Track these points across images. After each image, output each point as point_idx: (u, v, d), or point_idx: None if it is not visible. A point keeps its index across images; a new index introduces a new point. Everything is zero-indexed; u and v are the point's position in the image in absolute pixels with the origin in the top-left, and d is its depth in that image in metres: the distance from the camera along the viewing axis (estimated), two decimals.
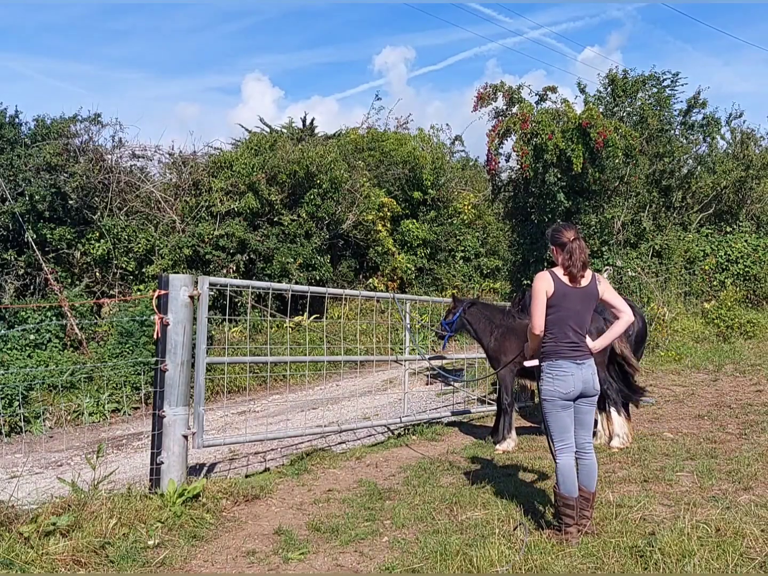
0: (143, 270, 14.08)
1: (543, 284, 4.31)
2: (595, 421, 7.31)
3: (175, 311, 5.39)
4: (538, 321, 4.33)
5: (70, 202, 13.07)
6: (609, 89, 19.28)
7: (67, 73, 79.90)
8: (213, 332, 11.35)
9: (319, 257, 15.60)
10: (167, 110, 73.25)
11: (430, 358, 9.18)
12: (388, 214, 19.45)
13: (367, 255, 18.74)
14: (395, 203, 19.77)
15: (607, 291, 4.45)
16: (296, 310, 13.69)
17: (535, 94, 16.15)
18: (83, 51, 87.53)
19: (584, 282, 4.35)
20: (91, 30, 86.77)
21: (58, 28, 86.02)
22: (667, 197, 19.17)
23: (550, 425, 4.40)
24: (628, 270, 16.03)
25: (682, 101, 19.90)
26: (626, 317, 4.46)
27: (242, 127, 21.91)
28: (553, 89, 16.06)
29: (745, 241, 17.60)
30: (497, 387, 7.54)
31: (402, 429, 8.10)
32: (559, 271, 4.36)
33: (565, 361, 4.31)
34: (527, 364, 4.59)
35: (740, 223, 19.11)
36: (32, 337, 11.00)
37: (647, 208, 18.31)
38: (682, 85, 19.64)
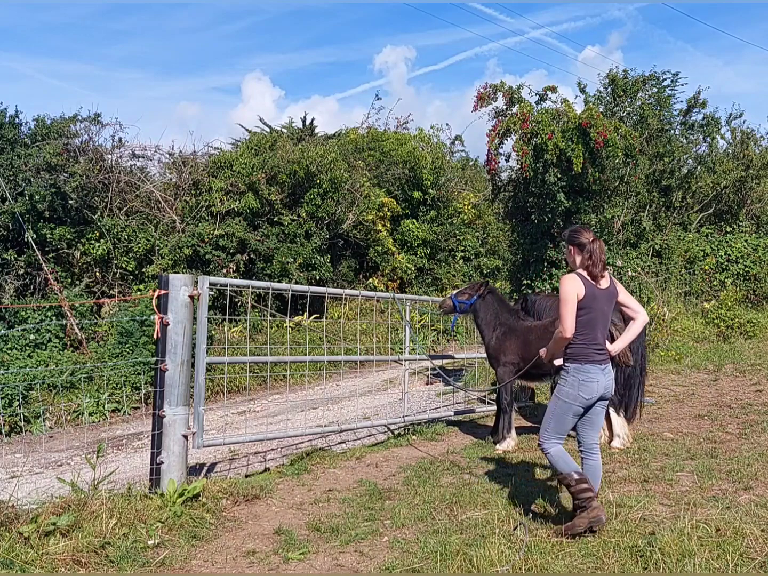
0: (143, 270, 14.08)
1: (574, 287, 4.26)
2: None
3: (175, 311, 5.39)
4: (570, 325, 4.24)
5: (70, 202, 13.07)
6: (609, 89, 19.29)
7: (67, 73, 79.96)
8: (213, 332, 11.35)
9: (319, 257, 15.60)
10: (168, 110, 73.32)
11: (431, 358, 9.18)
12: (388, 214, 19.44)
13: (367, 255, 18.74)
14: (395, 203, 19.76)
15: (622, 292, 4.48)
16: (296, 310, 13.69)
17: (535, 94, 16.13)
18: (84, 51, 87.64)
19: (606, 283, 4.36)
20: (92, 30, 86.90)
21: (58, 28, 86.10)
22: (667, 197, 19.17)
23: (551, 422, 4.36)
24: (628, 270, 16.04)
25: (682, 101, 19.92)
26: (642, 317, 4.49)
27: (242, 127, 21.94)
28: (553, 89, 16.05)
29: (745, 241, 17.60)
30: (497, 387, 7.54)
31: (402, 429, 8.10)
32: (583, 272, 4.34)
33: (592, 365, 4.27)
34: (557, 362, 4.55)
35: (740, 223, 19.11)
36: (32, 337, 11.01)
37: (647, 208, 18.31)
38: (682, 85, 19.70)
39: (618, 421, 6.68)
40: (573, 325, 4.25)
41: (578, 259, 4.38)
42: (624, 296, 4.49)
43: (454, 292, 7.87)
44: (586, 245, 4.32)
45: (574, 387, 4.27)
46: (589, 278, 4.30)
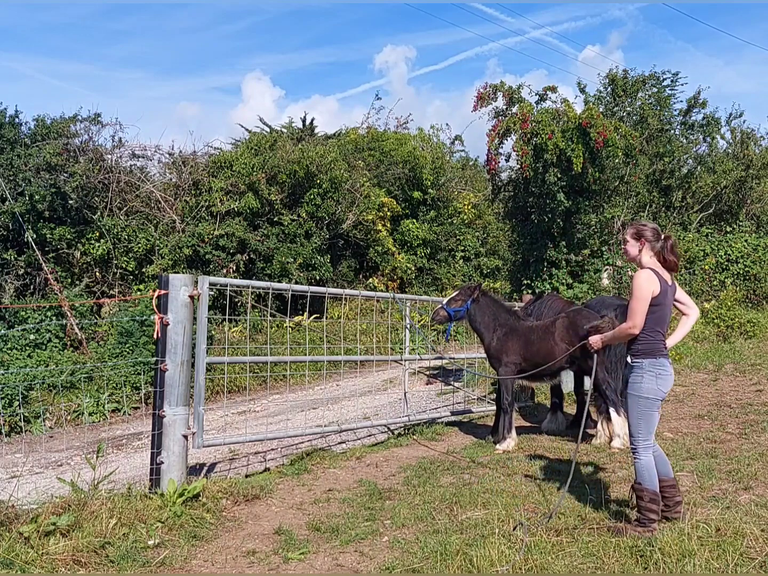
0: (143, 270, 14.09)
1: (651, 284, 4.29)
2: (595, 422, 7.33)
3: (175, 311, 5.38)
4: (641, 321, 4.27)
5: (70, 202, 13.08)
6: (609, 89, 19.31)
7: (68, 73, 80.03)
8: (213, 332, 11.35)
9: (319, 257, 15.60)
10: (168, 110, 73.40)
11: (433, 358, 9.19)
12: (388, 214, 19.45)
13: (367, 255, 18.74)
14: (395, 203, 19.77)
15: (678, 288, 4.56)
16: (296, 310, 13.69)
17: (535, 94, 16.15)
18: (84, 51, 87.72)
19: (670, 279, 4.42)
20: (92, 30, 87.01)
21: (59, 28, 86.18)
22: (667, 197, 19.19)
23: (641, 423, 4.34)
24: (628, 270, 16.03)
25: (682, 101, 19.96)
26: (695, 313, 4.64)
27: (242, 127, 21.97)
28: (553, 89, 16.07)
29: (745, 240, 17.60)
30: (497, 387, 7.54)
31: (402, 429, 8.10)
32: (656, 268, 4.37)
33: (665, 359, 4.34)
34: (629, 360, 4.56)
35: (740, 223, 19.13)
36: (32, 337, 11.01)
37: (647, 208, 18.32)
38: (682, 84, 19.73)
39: (618, 421, 6.67)
40: (643, 322, 4.29)
41: (648, 255, 4.41)
42: (679, 292, 4.57)
43: (445, 300, 7.68)
44: (660, 241, 4.41)
45: (653, 381, 4.29)
46: (662, 274, 4.36)
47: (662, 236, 4.43)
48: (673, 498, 4.37)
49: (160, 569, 4.08)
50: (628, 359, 4.45)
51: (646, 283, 4.27)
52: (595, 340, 4.81)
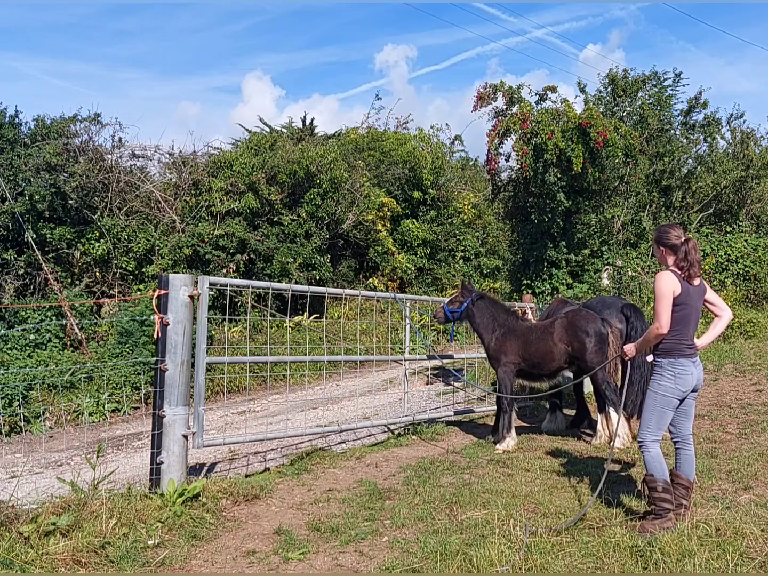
0: (143, 270, 14.08)
1: (671, 284, 4.33)
2: (595, 421, 7.33)
3: (175, 311, 5.38)
4: (666, 320, 4.33)
5: (70, 201, 13.07)
6: (609, 89, 19.31)
7: (69, 73, 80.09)
8: (213, 332, 11.35)
9: (319, 257, 15.60)
10: (169, 110, 73.47)
11: (430, 357, 9.19)
12: (388, 213, 19.44)
13: (367, 255, 18.74)
14: (395, 203, 19.76)
15: (709, 290, 4.57)
16: (296, 310, 13.69)
17: (535, 94, 16.17)
18: (86, 51, 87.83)
19: (698, 281, 4.44)
20: (94, 30, 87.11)
21: (61, 28, 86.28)
22: (667, 197, 19.19)
23: (653, 419, 4.41)
24: (628, 270, 16.03)
25: (683, 101, 19.95)
26: (727, 315, 4.66)
27: (242, 126, 22.00)
28: (553, 89, 16.07)
29: (745, 241, 17.58)
30: (497, 387, 7.55)
31: (402, 429, 8.10)
32: (677, 270, 4.38)
33: (685, 359, 4.39)
34: (649, 358, 4.61)
35: (740, 223, 19.11)
36: (32, 337, 11.01)
37: (647, 207, 18.32)
38: (683, 85, 19.69)
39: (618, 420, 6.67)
40: (669, 321, 4.33)
41: (670, 260, 4.44)
42: (711, 294, 4.59)
43: (446, 300, 7.92)
44: (679, 246, 4.38)
45: (671, 380, 4.37)
46: (681, 276, 4.37)
47: (683, 240, 4.40)
48: (680, 499, 4.39)
49: (160, 569, 4.08)
50: (649, 357, 4.53)
51: (665, 284, 4.32)
52: (628, 348, 4.86)
